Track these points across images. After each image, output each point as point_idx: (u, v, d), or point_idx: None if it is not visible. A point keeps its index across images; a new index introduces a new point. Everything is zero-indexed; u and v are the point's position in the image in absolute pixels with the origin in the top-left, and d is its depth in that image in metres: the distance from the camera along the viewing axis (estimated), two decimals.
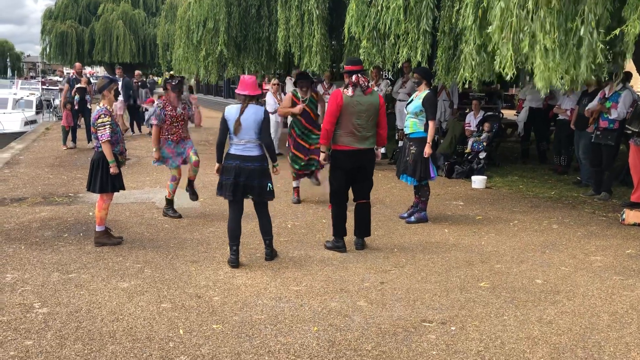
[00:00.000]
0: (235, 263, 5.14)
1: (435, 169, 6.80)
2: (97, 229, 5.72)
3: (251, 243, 5.87)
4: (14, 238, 5.93)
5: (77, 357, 3.47)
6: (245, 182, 5.10)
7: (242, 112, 5.08)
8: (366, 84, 5.54)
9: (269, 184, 5.21)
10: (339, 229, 5.68)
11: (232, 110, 5.13)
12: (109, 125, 5.49)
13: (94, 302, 4.30)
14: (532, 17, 5.42)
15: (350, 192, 5.78)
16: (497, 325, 3.99)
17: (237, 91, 5.20)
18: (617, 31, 5.15)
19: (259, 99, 5.41)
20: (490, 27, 5.77)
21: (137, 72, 17.54)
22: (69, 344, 3.64)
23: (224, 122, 5.13)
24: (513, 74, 5.79)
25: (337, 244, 5.67)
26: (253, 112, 5.09)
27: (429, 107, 6.52)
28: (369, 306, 4.31)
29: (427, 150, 6.48)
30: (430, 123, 6.51)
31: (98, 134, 5.51)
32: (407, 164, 6.65)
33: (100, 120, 5.48)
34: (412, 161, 6.59)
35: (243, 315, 4.10)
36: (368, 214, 5.81)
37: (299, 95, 7.59)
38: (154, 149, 6.75)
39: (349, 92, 5.51)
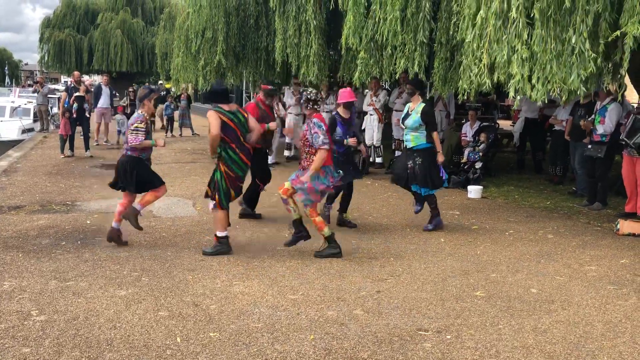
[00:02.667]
0: None
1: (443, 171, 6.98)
2: (138, 207, 5.98)
3: (247, 251, 5.89)
4: (12, 246, 5.95)
5: None
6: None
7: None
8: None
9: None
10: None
11: None
12: (142, 133, 5.77)
13: (92, 310, 4.31)
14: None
15: None
16: (492, 334, 4.03)
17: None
18: (616, 33, 5.23)
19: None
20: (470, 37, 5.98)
21: (131, 88, 17.75)
22: (66, 351, 3.66)
23: None
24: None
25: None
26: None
27: (429, 120, 6.74)
28: (365, 315, 4.33)
29: (440, 159, 6.77)
30: (435, 134, 6.75)
31: (130, 137, 5.77)
32: (415, 174, 6.73)
33: (136, 126, 5.77)
34: (422, 172, 6.69)
35: (240, 324, 4.13)
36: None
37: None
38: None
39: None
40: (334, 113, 7.07)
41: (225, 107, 5.75)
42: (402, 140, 7.29)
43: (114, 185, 6.09)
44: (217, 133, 5.60)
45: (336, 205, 7.11)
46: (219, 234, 5.76)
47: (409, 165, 6.75)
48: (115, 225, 6.01)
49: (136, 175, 5.86)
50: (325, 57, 10.72)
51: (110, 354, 3.63)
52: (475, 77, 6.45)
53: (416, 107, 6.77)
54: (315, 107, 6.03)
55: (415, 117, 6.70)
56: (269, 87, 7.91)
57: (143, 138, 5.79)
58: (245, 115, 5.89)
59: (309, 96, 6.07)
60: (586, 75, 5.43)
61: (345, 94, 6.78)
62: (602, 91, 8.07)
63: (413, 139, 6.78)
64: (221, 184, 5.74)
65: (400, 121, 7.03)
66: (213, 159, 5.85)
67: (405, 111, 7.00)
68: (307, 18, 10.03)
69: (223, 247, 5.74)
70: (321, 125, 5.71)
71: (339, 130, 6.67)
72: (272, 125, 7.09)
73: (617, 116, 7.84)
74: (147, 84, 36.25)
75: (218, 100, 5.79)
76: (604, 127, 7.88)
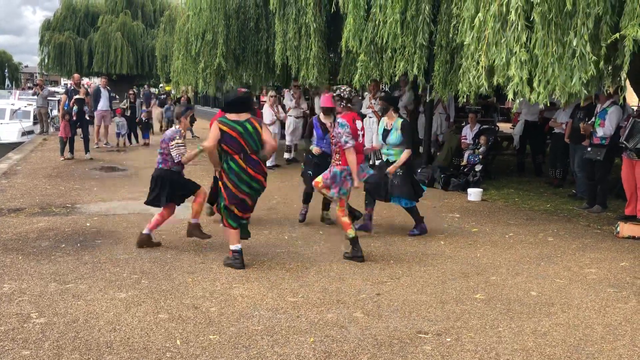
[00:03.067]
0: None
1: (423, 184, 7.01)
2: (193, 221, 6.18)
3: (247, 254, 5.89)
4: (12, 248, 5.94)
5: None
6: None
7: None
8: None
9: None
10: None
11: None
12: (183, 147, 5.96)
13: (91, 313, 4.31)
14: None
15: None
16: (492, 337, 4.02)
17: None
18: (615, 36, 5.25)
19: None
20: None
21: (131, 91, 17.79)
22: (66, 354, 3.66)
23: None
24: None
25: None
26: None
27: (407, 136, 6.64)
28: (365, 317, 4.33)
29: (391, 170, 6.58)
30: (406, 152, 6.59)
31: (173, 153, 5.90)
32: (393, 186, 6.62)
33: (175, 142, 5.91)
34: (404, 184, 6.60)
35: (240, 326, 4.12)
36: None
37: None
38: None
39: None
40: (314, 117, 7.15)
41: (233, 116, 5.35)
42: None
43: (151, 202, 6.13)
44: (208, 145, 5.33)
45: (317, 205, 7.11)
46: (232, 247, 5.46)
47: (390, 177, 6.64)
48: (146, 231, 6.12)
49: (169, 187, 5.96)
50: (325, 59, 10.73)
51: (110, 356, 3.63)
52: (473, 80, 6.46)
53: (394, 123, 6.64)
54: (349, 105, 5.99)
55: (397, 134, 6.59)
56: (243, 89, 8.01)
57: (185, 151, 5.96)
58: (257, 125, 5.40)
59: (342, 94, 5.97)
60: (587, 78, 5.43)
61: (324, 100, 6.88)
62: (602, 94, 8.08)
63: (396, 153, 6.66)
64: (221, 200, 5.45)
65: (381, 138, 6.80)
66: (217, 170, 5.64)
67: (381, 127, 6.83)
68: (306, 21, 10.04)
69: (235, 262, 5.42)
70: (344, 125, 5.68)
71: (315, 134, 6.81)
72: None
73: (617, 119, 7.85)
74: (146, 86, 36.30)
75: (227, 109, 5.47)
76: (603, 130, 7.89)
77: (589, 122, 8.20)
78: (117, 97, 19.86)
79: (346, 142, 5.62)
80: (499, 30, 5.77)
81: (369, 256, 5.92)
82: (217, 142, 5.35)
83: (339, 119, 5.76)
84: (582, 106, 8.86)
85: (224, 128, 5.32)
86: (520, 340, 3.97)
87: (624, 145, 7.39)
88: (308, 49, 10.17)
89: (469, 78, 6.55)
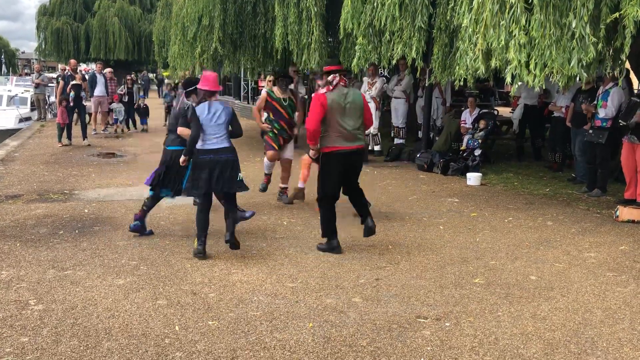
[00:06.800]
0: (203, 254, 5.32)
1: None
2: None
3: (246, 240, 5.87)
4: (9, 235, 5.93)
5: (72, 354, 3.48)
6: (218, 174, 5.33)
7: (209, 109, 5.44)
8: (342, 83, 5.41)
9: (239, 175, 5.49)
10: (330, 231, 5.52)
11: (201, 108, 5.43)
12: None
13: (90, 299, 4.30)
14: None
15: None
16: (491, 321, 4.02)
17: (199, 86, 5.54)
18: (615, 15, 5.18)
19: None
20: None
21: (129, 77, 17.62)
22: (64, 340, 3.65)
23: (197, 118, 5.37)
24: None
25: (332, 245, 5.53)
26: (221, 108, 5.47)
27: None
28: (364, 302, 4.33)
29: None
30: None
31: None
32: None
33: None
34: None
35: (239, 312, 4.12)
36: (362, 196, 5.72)
37: (276, 95, 7.34)
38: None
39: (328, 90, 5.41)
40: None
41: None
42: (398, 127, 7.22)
43: None
44: None
45: None
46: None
47: None
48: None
49: None
50: (326, 43, 10.63)
51: (109, 342, 3.63)
52: (470, 63, 6.39)
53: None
54: None
55: None
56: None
57: None
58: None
59: None
60: (587, 61, 5.37)
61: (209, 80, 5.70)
62: (606, 76, 8.02)
63: None
64: None
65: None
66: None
67: None
68: (308, 5, 9.93)
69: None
70: None
71: None
72: None
73: (619, 100, 7.81)
74: (144, 72, 36.08)
75: None
76: (605, 111, 7.85)
77: (592, 104, 8.15)
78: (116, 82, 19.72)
79: None
80: (497, 13, 5.70)
81: (367, 241, 5.90)
82: None
83: None
84: (584, 90, 8.80)
85: None
86: (520, 325, 3.97)
87: (622, 125, 7.35)
88: (309, 33, 10.07)
89: (466, 61, 6.49)
